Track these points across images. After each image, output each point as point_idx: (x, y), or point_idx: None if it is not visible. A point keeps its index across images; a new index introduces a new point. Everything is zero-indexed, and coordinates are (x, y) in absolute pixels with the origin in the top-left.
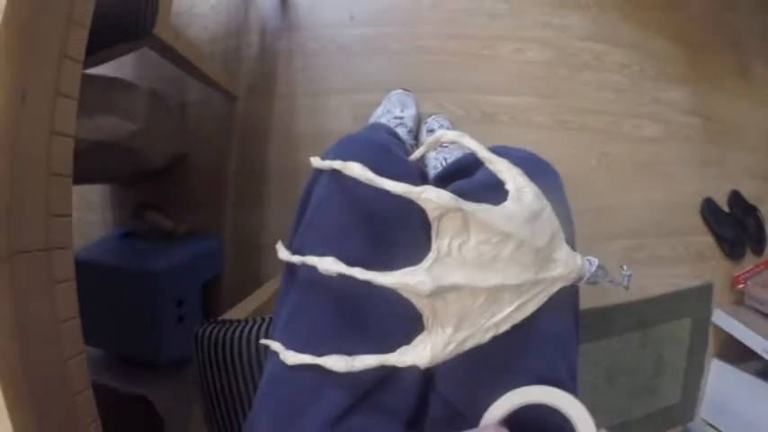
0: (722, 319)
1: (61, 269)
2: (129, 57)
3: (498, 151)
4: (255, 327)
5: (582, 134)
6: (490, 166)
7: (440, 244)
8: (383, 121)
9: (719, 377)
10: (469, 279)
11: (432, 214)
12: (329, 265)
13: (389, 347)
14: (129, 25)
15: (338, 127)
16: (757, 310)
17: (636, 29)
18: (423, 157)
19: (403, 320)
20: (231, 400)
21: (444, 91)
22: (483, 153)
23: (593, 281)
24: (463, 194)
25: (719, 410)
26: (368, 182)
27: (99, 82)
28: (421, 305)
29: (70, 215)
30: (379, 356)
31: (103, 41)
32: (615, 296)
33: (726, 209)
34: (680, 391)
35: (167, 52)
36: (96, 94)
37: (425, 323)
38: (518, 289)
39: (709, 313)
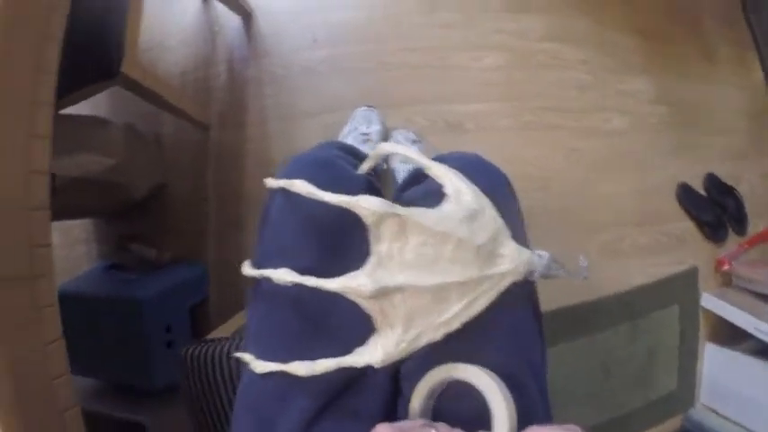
0: (711, 301)
1: (44, 295)
2: (104, 94)
3: (442, 158)
4: (236, 343)
5: (548, 133)
6: (429, 173)
7: (379, 248)
8: (350, 138)
9: (715, 361)
10: (412, 279)
11: (368, 221)
12: (283, 275)
13: (348, 350)
14: (97, 66)
15: None
16: (746, 290)
17: (592, 25)
18: (391, 170)
19: (360, 324)
20: (218, 416)
21: (409, 104)
22: (421, 161)
23: (546, 274)
24: (413, 201)
25: (718, 394)
26: (311, 196)
27: (74, 121)
28: (369, 307)
29: (50, 245)
30: (338, 359)
31: (74, 83)
32: (602, 289)
33: (702, 192)
34: (676, 378)
35: (136, 89)
36: (72, 133)
37: (375, 324)
38: (463, 286)
39: (696, 297)
